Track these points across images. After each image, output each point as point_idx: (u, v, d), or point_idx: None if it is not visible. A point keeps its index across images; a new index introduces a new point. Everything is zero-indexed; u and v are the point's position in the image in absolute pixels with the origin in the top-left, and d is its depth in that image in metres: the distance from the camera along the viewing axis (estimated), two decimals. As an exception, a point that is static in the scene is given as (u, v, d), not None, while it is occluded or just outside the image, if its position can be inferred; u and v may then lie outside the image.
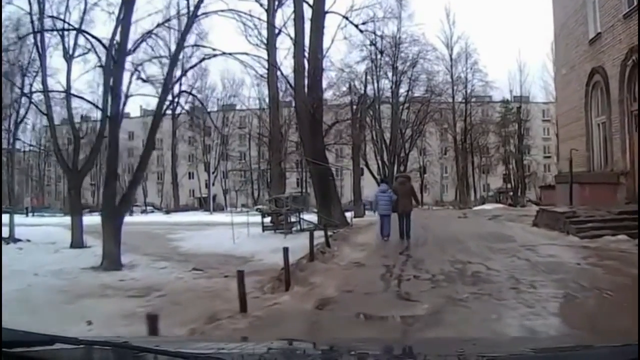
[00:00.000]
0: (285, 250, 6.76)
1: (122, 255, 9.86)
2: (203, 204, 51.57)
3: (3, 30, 14.45)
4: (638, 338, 1.29)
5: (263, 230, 15.16)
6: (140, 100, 66.98)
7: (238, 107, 57.82)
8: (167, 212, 47.98)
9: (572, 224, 11.05)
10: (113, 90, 10.33)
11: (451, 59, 45.04)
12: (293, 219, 15.41)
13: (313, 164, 17.11)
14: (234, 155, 55.73)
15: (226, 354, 1.38)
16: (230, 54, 11.54)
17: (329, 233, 11.21)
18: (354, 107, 28.23)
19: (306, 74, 17.18)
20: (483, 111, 48.67)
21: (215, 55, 12.37)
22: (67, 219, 15.34)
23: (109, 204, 10.36)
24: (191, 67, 19.28)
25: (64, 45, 14.32)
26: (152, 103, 53.65)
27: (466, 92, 46.07)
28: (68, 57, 14.43)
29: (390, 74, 40.44)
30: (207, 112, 55.12)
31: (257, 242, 12.79)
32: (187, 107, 57.51)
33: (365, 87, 31.50)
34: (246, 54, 14.17)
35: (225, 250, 11.93)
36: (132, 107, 54.30)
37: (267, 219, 15.42)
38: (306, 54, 17.24)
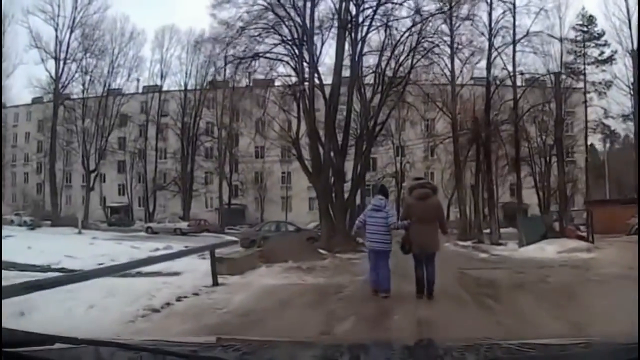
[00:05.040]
0: None
1: None
2: (110, 216, 43.04)
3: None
4: (638, 338, 1.28)
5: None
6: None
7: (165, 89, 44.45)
8: (33, 227, 34.87)
9: None
10: None
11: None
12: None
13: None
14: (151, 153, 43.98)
15: (226, 354, 1.40)
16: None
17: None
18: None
19: None
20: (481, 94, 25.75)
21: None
22: None
23: None
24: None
25: None
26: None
27: (490, 27, 22.93)
28: None
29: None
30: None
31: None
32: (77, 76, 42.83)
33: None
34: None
35: None
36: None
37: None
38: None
